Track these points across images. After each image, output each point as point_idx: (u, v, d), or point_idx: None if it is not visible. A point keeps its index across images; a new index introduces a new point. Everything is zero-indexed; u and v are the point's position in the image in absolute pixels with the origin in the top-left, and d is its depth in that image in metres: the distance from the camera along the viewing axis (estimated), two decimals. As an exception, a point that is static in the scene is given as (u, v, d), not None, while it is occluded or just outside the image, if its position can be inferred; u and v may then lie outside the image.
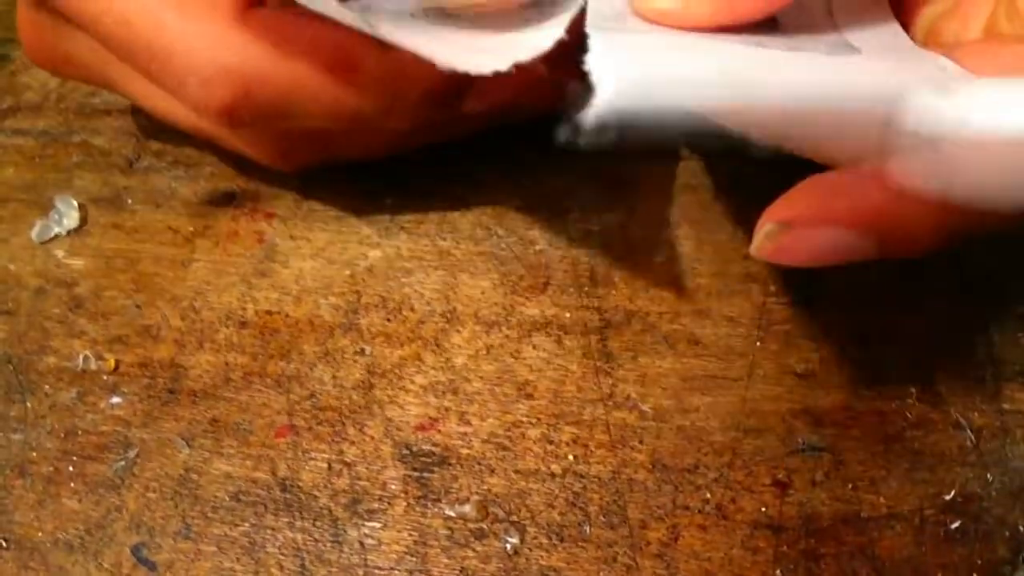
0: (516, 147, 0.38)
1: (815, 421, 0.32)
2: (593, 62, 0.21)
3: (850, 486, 0.31)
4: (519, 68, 0.28)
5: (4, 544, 0.33)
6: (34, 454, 0.34)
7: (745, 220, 0.36)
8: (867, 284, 0.34)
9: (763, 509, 0.31)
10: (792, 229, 0.26)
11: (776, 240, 0.26)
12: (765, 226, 0.27)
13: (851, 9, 0.29)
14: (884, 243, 0.26)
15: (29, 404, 0.35)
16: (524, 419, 0.33)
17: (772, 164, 0.35)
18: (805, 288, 0.34)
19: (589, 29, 0.25)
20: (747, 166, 0.37)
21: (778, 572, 0.30)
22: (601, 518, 0.31)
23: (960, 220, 0.26)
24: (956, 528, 0.31)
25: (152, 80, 0.32)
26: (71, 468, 0.34)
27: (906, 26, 0.30)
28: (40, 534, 0.33)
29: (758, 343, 0.34)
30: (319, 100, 0.30)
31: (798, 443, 0.32)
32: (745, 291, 0.34)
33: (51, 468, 0.34)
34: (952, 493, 0.31)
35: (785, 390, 0.33)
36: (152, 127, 0.41)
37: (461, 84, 0.31)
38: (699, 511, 0.31)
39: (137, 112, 0.42)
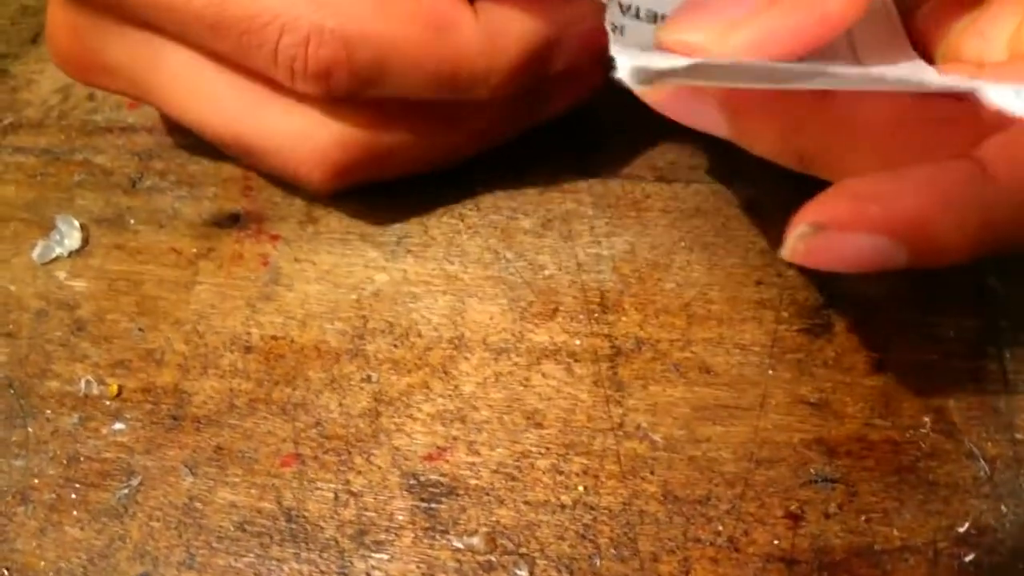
0: (524, 170, 0.38)
1: (828, 451, 0.32)
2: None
3: (863, 518, 0.31)
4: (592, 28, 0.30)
5: (6, 573, 0.33)
6: (36, 481, 0.34)
7: (757, 246, 0.35)
8: (880, 312, 0.34)
9: (776, 541, 0.31)
10: (824, 232, 0.26)
11: (808, 242, 0.26)
12: (798, 227, 0.26)
13: (874, 45, 0.29)
14: (916, 252, 0.26)
15: (31, 429, 0.35)
16: (533, 449, 0.33)
17: (785, 189, 0.35)
18: (817, 316, 0.34)
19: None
20: (760, 191, 0.36)
21: (791, 606, 0.30)
22: (612, 550, 0.31)
23: (995, 231, 0.26)
24: (970, 561, 0.30)
25: (236, 50, 0.31)
26: (73, 495, 0.34)
27: (927, 56, 0.30)
28: (42, 563, 0.33)
29: (770, 371, 0.33)
30: (419, 62, 0.30)
31: (811, 474, 0.32)
32: (757, 318, 0.34)
33: (53, 495, 0.34)
34: (966, 525, 0.31)
35: (797, 420, 0.32)
36: (156, 145, 0.41)
37: (551, 43, 0.31)
38: (711, 543, 0.31)
39: (140, 130, 0.41)
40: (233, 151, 0.36)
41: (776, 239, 0.34)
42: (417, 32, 0.30)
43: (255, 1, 0.30)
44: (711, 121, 0.28)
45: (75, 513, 0.33)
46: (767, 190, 0.37)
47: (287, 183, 0.38)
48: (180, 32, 0.32)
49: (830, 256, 0.27)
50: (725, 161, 0.37)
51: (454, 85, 0.31)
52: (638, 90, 0.26)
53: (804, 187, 0.35)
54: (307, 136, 0.33)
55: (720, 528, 0.31)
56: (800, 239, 0.26)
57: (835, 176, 0.28)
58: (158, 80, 0.34)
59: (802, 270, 0.35)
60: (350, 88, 0.31)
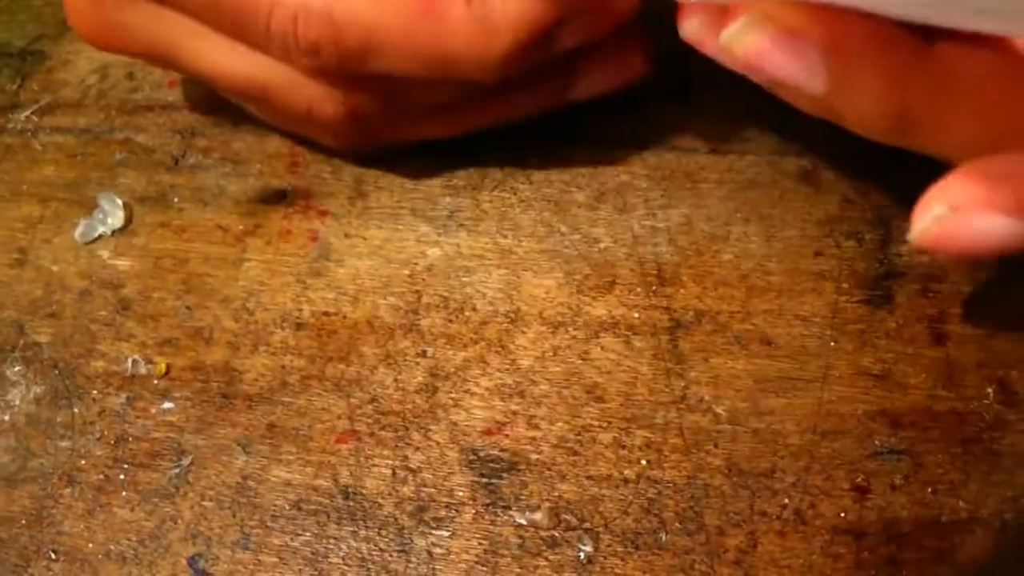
0: (576, 143, 0.37)
1: (892, 423, 0.31)
2: None
3: (929, 490, 0.30)
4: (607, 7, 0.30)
5: (53, 555, 0.32)
6: (83, 462, 0.33)
7: (814, 217, 0.35)
8: (940, 282, 0.33)
9: (842, 514, 0.30)
10: (958, 214, 0.25)
11: (942, 225, 0.25)
12: (931, 209, 0.25)
13: None
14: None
15: (76, 410, 0.34)
16: (594, 423, 0.32)
17: (844, 159, 0.34)
18: (877, 287, 0.33)
19: None
20: (816, 162, 0.36)
21: (859, 579, 0.29)
22: (677, 525, 0.30)
23: None
24: (1038, 533, 0.30)
25: (232, 29, 0.32)
26: (122, 476, 0.33)
27: None
28: (91, 545, 0.32)
29: (832, 343, 0.33)
30: (407, 46, 0.30)
31: (876, 446, 0.31)
32: (817, 289, 0.33)
33: (101, 476, 0.33)
34: (1032, 496, 0.30)
35: (861, 391, 0.32)
36: (198, 123, 0.40)
37: (552, 27, 0.30)
38: (777, 517, 0.30)
39: (182, 108, 0.41)
40: (252, 100, 0.36)
41: (832, 210, 0.34)
42: (405, 16, 0.30)
43: None
44: (807, 71, 0.27)
45: (124, 494, 0.33)
46: (822, 161, 0.36)
47: (334, 158, 0.38)
48: (182, 10, 0.33)
49: (963, 240, 0.26)
50: (778, 132, 0.37)
51: (447, 69, 0.31)
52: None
53: (859, 159, 0.34)
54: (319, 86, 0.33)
55: (786, 501, 0.31)
56: (934, 221, 0.25)
57: (931, 145, 0.27)
58: (177, 36, 0.34)
59: (860, 243, 0.34)
60: (341, 65, 0.31)
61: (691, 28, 0.28)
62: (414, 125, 0.36)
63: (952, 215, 0.25)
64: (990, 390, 0.32)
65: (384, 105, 0.34)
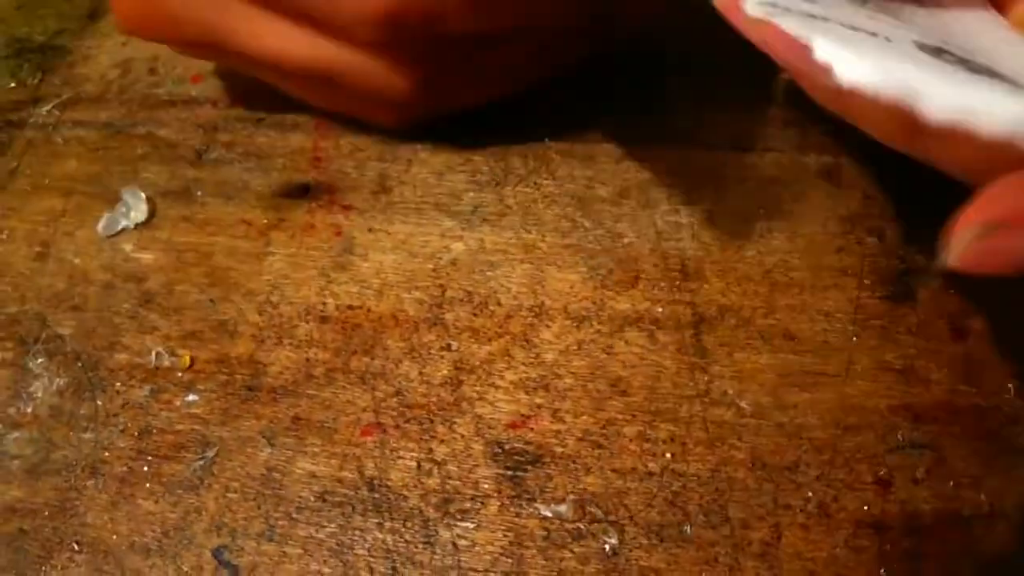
0: (599, 140, 0.38)
1: (915, 417, 0.31)
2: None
3: (951, 484, 0.31)
4: None
5: (76, 547, 0.32)
6: (106, 454, 0.33)
7: (836, 213, 0.35)
8: (961, 279, 0.34)
9: (866, 507, 0.30)
10: (1000, 231, 0.25)
11: (982, 244, 0.25)
12: (968, 229, 0.25)
13: None
14: None
15: (100, 402, 0.34)
16: (619, 416, 0.32)
17: (865, 156, 0.35)
18: (899, 283, 0.34)
19: None
20: (837, 159, 0.36)
21: (882, 571, 0.30)
22: (701, 517, 0.31)
23: None
24: (1060, 527, 0.30)
25: (299, 12, 0.32)
26: (146, 468, 0.33)
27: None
28: (115, 537, 0.32)
29: (855, 338, 0.33)
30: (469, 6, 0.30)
31: (898, 440, 0.31)
32: (839, 285, 0.34)
33: (125, 468, 0.33)
34: (1054, 491, 0.30)
35: (883, 386, 0.32)
36: (221, 118, 0.40)
37: None
38: (801, 510, 0.30)
39: (204, 103, 0.41)
40: (313, 83, 0.36)
41: (854, 207, 0.34)
42: None
43: None
44: None
45: (148, 486, 0.33)
46: (844, 158, 0.36)
47: (357, 152, 0.38)
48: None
49: (1006, 258, 0.25)
50: (800, 129, 0.37)
51: (509, 14, 0.32)
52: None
53: (880, 156, 0.34)
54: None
55: (810, 494, 0.31)
56: (975, 240, 0.25)
57: (941, 156, 0.27)
58: (227, 15, 0.34)
59: (881, 239, 0.34)
60: (411, 31, 0.32)
61: None
62: (481, 86, 0.36)
63: (995, 232, 0.24)
64: (1011, 385, 0.32)
65: (454, 69, 0.34)
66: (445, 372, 0.34)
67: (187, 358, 0.35)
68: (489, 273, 0.35)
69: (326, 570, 0.31)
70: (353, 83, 0.34)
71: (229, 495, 0.32)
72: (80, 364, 0.35)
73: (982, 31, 0.28)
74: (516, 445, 0.32)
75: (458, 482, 0.32)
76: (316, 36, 0.33)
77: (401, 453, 0.32)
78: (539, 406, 0.33)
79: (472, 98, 0.36)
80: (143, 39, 0.36)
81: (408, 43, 0.33)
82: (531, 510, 0.31)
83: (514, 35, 0.34)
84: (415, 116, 0.37)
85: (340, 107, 0.37)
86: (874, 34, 0.25)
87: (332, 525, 0.32)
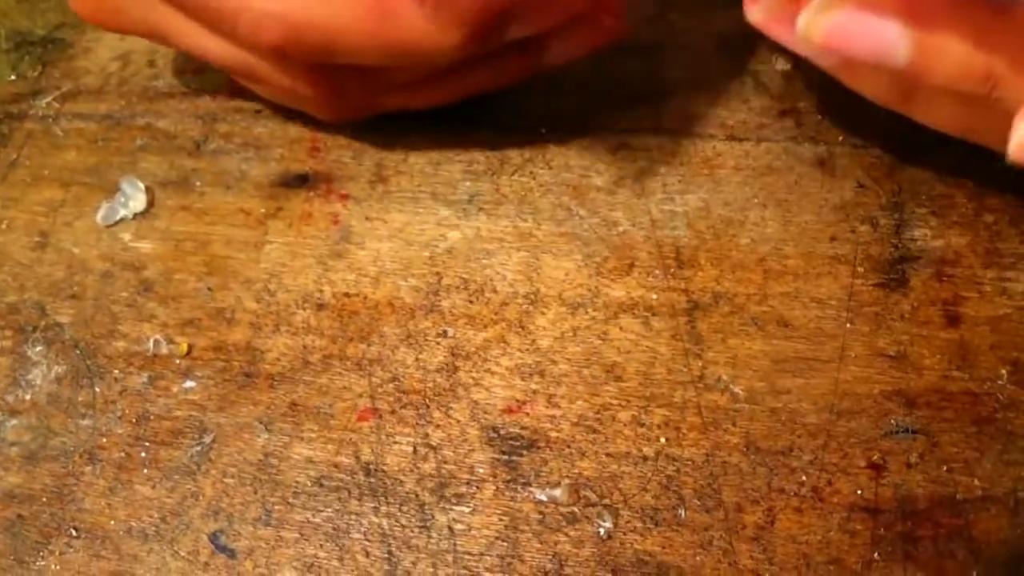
0: (594, 129, 0.38)
1: (908, 403, 0.32)
2: None
3: (945, 468, 0.31)
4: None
5: (74, 533, 0.32)
6: (104, 440, 0.34)
7: (830, 203, 0.35)
8: (953, 266, 0.34)
9: (859, 491, 0.31)
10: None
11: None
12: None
13: None
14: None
15: (98, 389, 0.34)
16: (614, 401, 0.32)
17: (858, 146, 0.35)
18: (892, 271, 0.34)
19: None
20: (831, 149, 0.37)
21: (876, 555, 0.30)
22: (696, 501, 0.31)
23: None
24: (1051, 511, 0.30)
25: (207, 24, 0.33)
26: (143, 454, 0.33)
27: None
28: (112, 522, 0.32)
29: (848, 325, 0.33)
30: (366, 44, 0.31)
31: (892, 425, 0.31)
32: (833, 273, 0.34)
33: (122, 454, 0.33)
34: (1046, 476, 0.31)
35: (877, 372, 0.32)
36: (219, 109, 0.41)
37: (505, 16, 0.31)
38: (795, 494, 0.31)
39: (203, 94, 0.41)
40: (243, 79, 0.37)
41: (848, 196, 0.34)
42: (360, 18, 0.30)
43: None
44: (887, 43, 0.27)
45: (145, 471, 0.33)
46: (838, 148, 0.37)
47: (355, 142, 0.39)
48: (167, 2, 0.34)
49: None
50: (795, 119, 0.37)
51: (406, 59, 0.32)
52: (801, 30, 0.25)
53: (874, 146, 0.35)
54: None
55: (803, 479, 0.31)
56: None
57: (1017, 103, 0.27)
58: (165, 17, 0.35)
59: (875, 228, 0.35)
60: (307, 60, 0.33)
61: (758, 14, 0.28)
62: (393, 98, 0.36)
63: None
64: (1004, 371, 0.32)
65: (360, 85, 0.35)
66: (441, 358, 0.34)
67: (185, 345, 0.35)
68: (485, 261, 0.35)
69: (322, 554, 0.31)
70: (272, 85, 0.35)
71: (226, 480, 0.32)
72: (78, 352, 0.35)
73: None
74: (511, 430, 0.32)
75: (454, 467, 0.32)
76: (233, 46, 0.34)
77: (397, 438, 0.33)
78: (534, 392, 0.33)
79: (398, 106, 0.37)
80: (93, 24, 0.37)
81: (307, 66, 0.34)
82: (526, 494, 0.31)
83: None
84: (353, 117, 0.37)
85: (280, 101, 0.38)
86: None
87: (328, 510, 0.32)
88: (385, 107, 0.36)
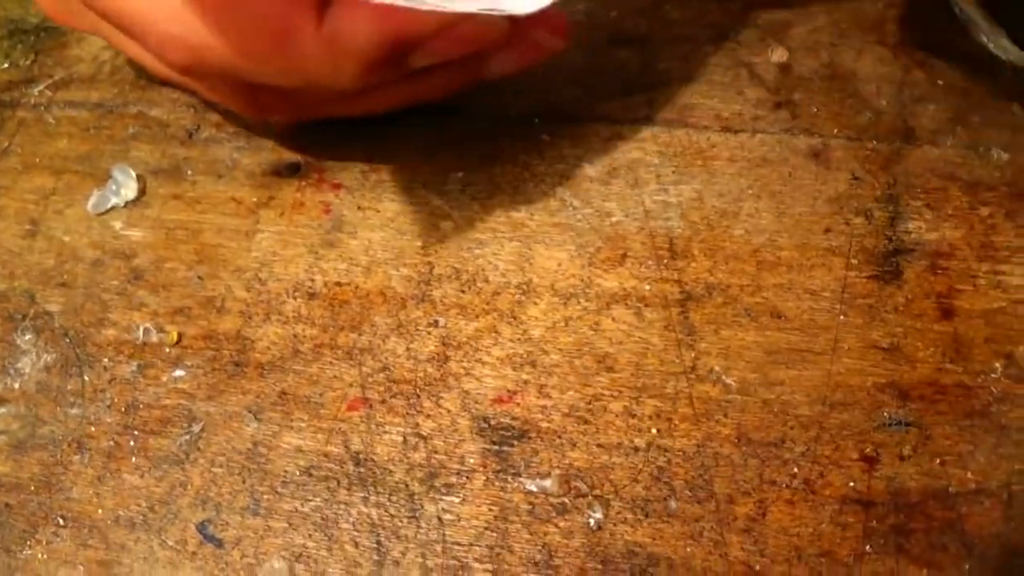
0: (588, 120, 0.38)
1: (901, 395, 0.32)
2: None
3: (938, 461, 0.31)
4: (473, 27, 0.30)
5: (61, 521, 0.32)
6: (93, 429, 0.33)
7: (824, 194, 0.35)
8: (949, 259, 0.34)
9: (851, 484, 0.30)
10: None
11: None
12: None
13: None
14: None
15: (87, 377, 0.34)
16: (605, 392, 0.32)
17: (853, 138, 0.35)
18: (886, 263, 0.34)
19: None
20: (825, 141, 0.36)
21: (868, 548, 0.29)
22: (687, 492, 0.31)
23: None
24: (1045, 504, 0.30)
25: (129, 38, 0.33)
26: (132, 443, 0.33)
27: None
28: (100, 511, 0.32)
29: (841, 317, 0.33)
30: (262, 68, 0.31)
31: (885, 417, 0.31)
32: (827, 265, 0.34)
33: (111, 443, 0.33)
34: (1039, 469, 0.30)
35: (870, 364, 0.32)
36: (212, 98, 0.40)
37: (406, 48, 0.31)
38: (787, 486, 0.30)
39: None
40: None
41: (842, 188, 0.34)
42: (258, 44, 0.30)
43: (130, 5, 0.31)
44: None
45: (134, 460, 0.33)
46: (832, 140, 0.37)
47: (347, 132, 0.38)
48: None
49: None
50: (789, 111, 0.37)
51: (306, 83, 0.32)
52: None
53: (868, 139, 0.35)
54: None
55: (795, 471, 0.31)
56: None
57: None
58: (103, 29, 0.35)
59: (869, 220, 0.35)
60: (213, 78, 0.33)
61: None
62: (325, 108, 0.36)
63: None
64: (998, 364, 0.32)
65: (277, 100, 0.35)
66: (432, 348, 0.34)
67: (175, 334, 0.35)
68: (477, 251, 0.35)
69: (311, 544, 0.31)
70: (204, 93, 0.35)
71: (215, 469, 0.32)
72: (68, 340, 0.35)
73: None
74: (502, 420, 0.32)
75: (444, 456, 0.32)
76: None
77: (387, 428, 0.32)
78: (525, 382, 0.33)
79: (333, 114, 0.37)
80: (53, 20, 0.37)
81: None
82: (516, 484, 0.31)
83: None
84: (294, 120, 0.38)
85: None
86: None
87: (317, 499, 0.32)
88: (320, 115, 0.36)
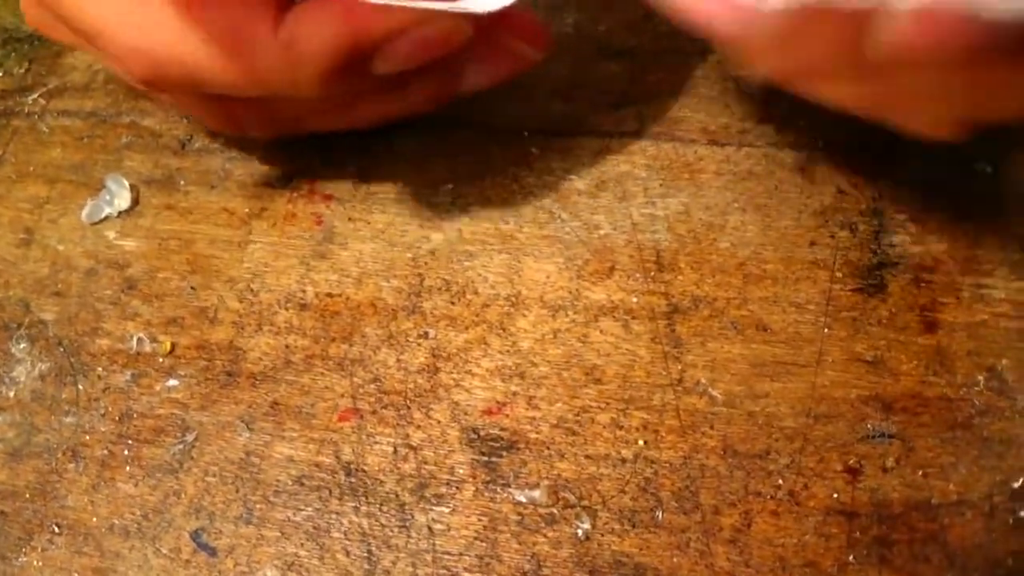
0: (577, 134, 0.38)
1: (885, 407, 0.32)
2: None
3: (920, 473, 0.31)
4: (434, 30, 0.30)
5: (56, 529, 0.32)
6: (87, 437, 0.34)
7: (810, 208, 0.36)
8: (933, 272, 0.34)
9: (835, 495, 0.31)
10: None
11: None
12: None
13: None
14: None
15: (81, 387, 0.34)
16: (593, 404, 0.33)
17: (838, 152, 0.35)
18: (871, 276, 0.34)
19: None
20: (812, 155, 0.37)
21: (851, 558, 0.30)
22: (673, 503, 0.31)
23: None
24: (1025, 516, 0.30)
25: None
26: (126, 452, 0.33)
27: None
28: (94, 519, 0.32)
29: (826, 330, 0.33)
30: (222, 77, 0.31)
31: (868, 429, 0.32)
32: (812, 278, 0.34)
33: (105, 451, 0.33)
34: (1021, 481, 0.31)
35: (854, 376, 0.33)
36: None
37: (364, 53, 0.31)
38: (771, 497, 0.31)
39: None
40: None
41: (827, 201, 0.35)
42: (216, 52, 0.31)
43: (91, 18, 0.31)
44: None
45: (128, 469, 0.33)
46: (818, 154, 0.37)
47: (338, 144, 0.39)
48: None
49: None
50: (775, 125, 0.37)
51: (266, 91, 0.32)
52: None
53: (854, 152, 0.35)
54: None
55: (780, 482, 0.31)
56: None
57: None
58: (71, 34, 0.35)
59: (854, 234, 0.35)
60: (174, 90, 0.33)
61: None
62: (304, 123, 0.36)
63: None
64: (980, 377, 0.33)
65: (249, 113, 0.35)
66: (422, 359, 0.34)
67: (168, 344, 0.35)
68: (467, 263, 0.36)
69: (303, 553, 0.31)
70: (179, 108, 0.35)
71: (208, 479, 0.33)
72: (62, 349, 0.35)
73: None
74: (491, 431, 0.33)
75: (434, 467, 0.32)
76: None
77: (378, 438, 0.33)
78: (514, 393, 0.33)
79: (307, 130, 0.37)
80: (37, 31, 0.37)
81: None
82: (505, 495, 0.32)
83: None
84: (273, 135, 0.37)
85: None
86: None
87: (309, 509, 0.32)
88: (300, 130, 0.36)
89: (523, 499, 0.31)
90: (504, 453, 0.32)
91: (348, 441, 0.33)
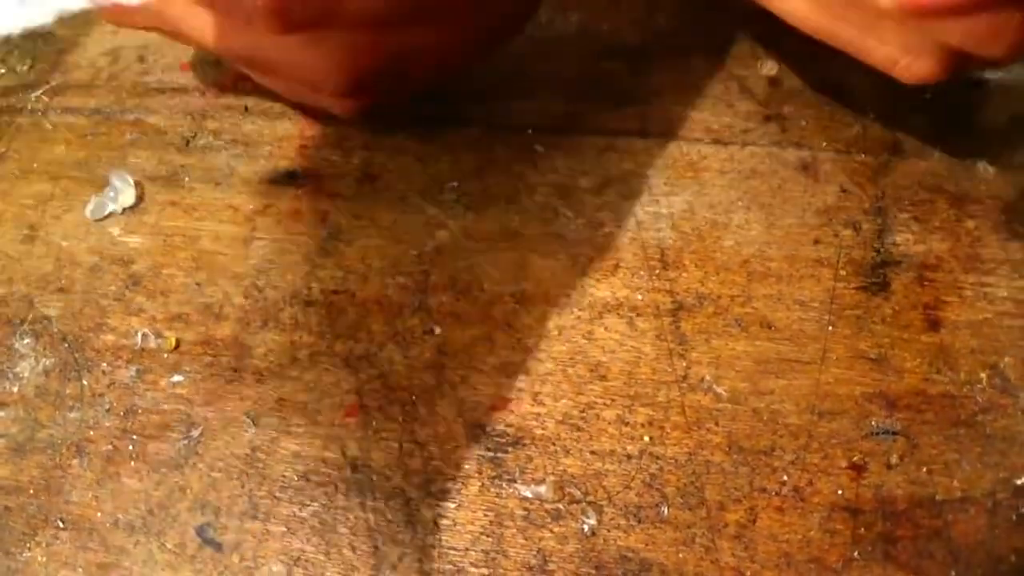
0: (581, 132, 0.38)
1: (888, 405, 0.32)
2: None
3: (924, 469, 0.31)
4: None
5: (61, 524, 0.32)
6: (92, 433, 0.34)
7: (813, 206, 0.36)
8: (936, 271, 0.34)
9: (840, 492, 0.31)
10: None
11: None
12: None
13: None
14: None
15: (85, 382, 0.34)
16: (598, 400, 0.33)
17: (842, 151, 0.35)
18: (874, 274, 0.34)
19: None
20: (815, 153, 0.37)
21: (856, 554, 0.30)
22: (679, 499, 0.31)
23: None
24: (1029, 512, 0.31)
25: (224, 13, 0.33)
26: (131, 447, 0.33)
27: None
28: (99, 514, 0.32)
29: (830, 327, 0.34)
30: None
31: (872, 426, 0.32)
32: (815, 276, 0.34)
33: (110, 447, 0.33)
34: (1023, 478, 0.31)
35: (858, 374, 0.33)
36: (209, 106, 0.41)
37: None
38: (776, 493, 0.31)
39: (193, 91, 0.41)
40: (258, 70, 0.37)
41: (831, 200, 0.35)
42: None
43: None
44: None
45: (133, 464, 0.33)
46: (821, 153, 0.37)
47: (343, 141, 0.39)
48: None
49: None
50: (779, 124, 0.38)
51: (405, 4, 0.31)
52: None
53: (857, 151, 0.35)
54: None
55: (785, 478, 0.31)
56: None
57: None
58: (178, 18, 0.35)
59: (857, 232, 0.35)
60: (304, 24, 0.32)
61: None
62: (413, 68, 0.35)
63: None
64: (983, 375, 0.33)
65: (372, 54, 0.34)
66: (428, 356, 0.34)
67: (173, 339, 0.35)
68: (472, 260, 0.36)
69: (309, 548, 0.31)
70: (288, 76, 0.35)
71: (213, 474, 0.33)
72: (66, 345, 0.35)
73: None
74: (497, 427, 0.33)
75: (440, 463, 0.32)
76: (247, 34, 0.34)
77: (384, 434, 0.33)
78: (520, 390, 0.33)
79: (412, 81, 0.36)
80: (116, 25, 0.37)
81: (318, 32, 0.33)
82: (511, 491, 0.32)
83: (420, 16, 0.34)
84: (363, 104, 0.36)
85: (300, 97, 0.38)
86: None
87: (315, 504, 0.32)
88: (395, 87, 0.35)
89: (529, 495, 0.31)
90: (510, 449, 0.32)
91: (354, 437, 0.33)
